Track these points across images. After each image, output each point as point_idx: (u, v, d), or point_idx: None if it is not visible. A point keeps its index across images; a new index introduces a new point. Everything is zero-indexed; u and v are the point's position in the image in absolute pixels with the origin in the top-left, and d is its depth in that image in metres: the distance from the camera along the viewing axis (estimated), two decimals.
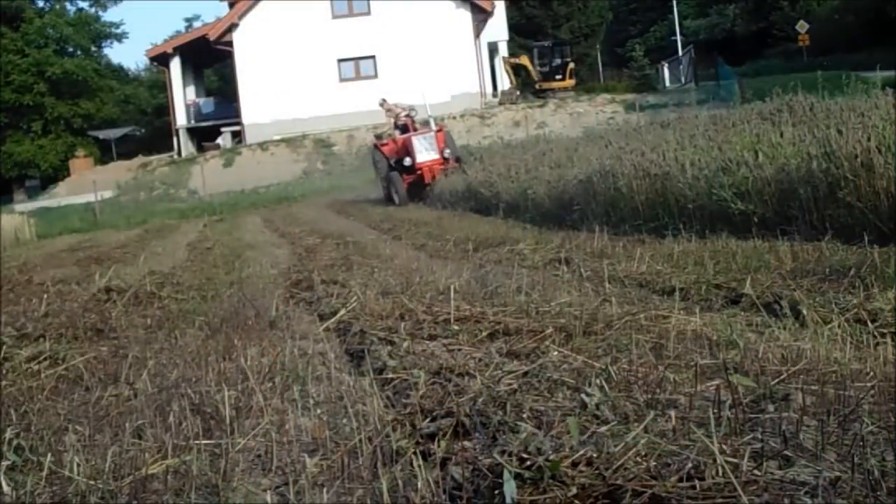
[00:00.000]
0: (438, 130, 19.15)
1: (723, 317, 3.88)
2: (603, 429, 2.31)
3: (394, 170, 18.80)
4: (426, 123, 19.51)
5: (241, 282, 7.35)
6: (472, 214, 13.77)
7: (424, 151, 18.39)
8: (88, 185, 32.55)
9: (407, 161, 18.43)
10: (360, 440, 2.49)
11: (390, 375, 3.24)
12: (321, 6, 35.82)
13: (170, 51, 39.12)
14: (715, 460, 1.98)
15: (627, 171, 9.17)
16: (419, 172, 18.28)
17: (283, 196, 29.06)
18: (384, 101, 21.17)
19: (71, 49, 44.92)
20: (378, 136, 20.80)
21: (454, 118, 33.19)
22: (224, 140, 37.52)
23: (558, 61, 39.83)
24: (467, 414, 2.53)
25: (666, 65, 42.65)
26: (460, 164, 18.11)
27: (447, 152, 18.69)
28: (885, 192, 5.95)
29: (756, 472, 1.97)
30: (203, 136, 38.58)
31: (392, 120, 20.37)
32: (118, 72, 52.84)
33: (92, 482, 2.39)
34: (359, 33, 35.42)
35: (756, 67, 39.78)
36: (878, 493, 1.89)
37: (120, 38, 48.46)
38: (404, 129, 19.69)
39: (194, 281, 7.73)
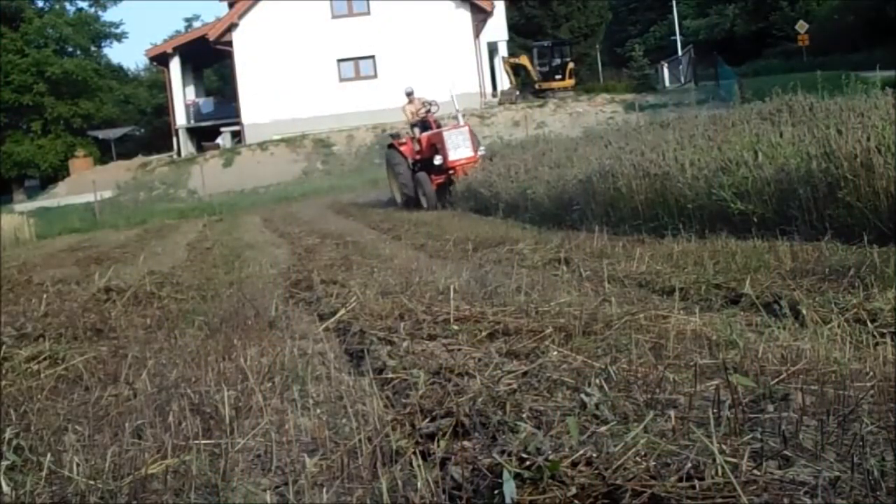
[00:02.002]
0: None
1: (722, 317, 3.88)
2: (602, 429, 2.32)
3: (419, 170, 16.93)
4: (453, 118, 17.84)
5: (241, 282, 7.35)
6: (472, 214, 13.78)
7: (457, 148, 16.44)
8: (88, 185, 32.52)
9: (437, 159, 16.40)
10: (360, 440, 2.49)
11: (390, 375, 3.24)
12: (321, 6, 35.81)
13: (169, 51, 39.09)
14: (714, 460, 1.98)
15: (627, 171, 9.18)
16: (451, 172, 16.34)
17: (283, 196, 29.05)
18: (412, 90, 18.45)
19: (70, 49, 44.90)
20: (394, 135, 18.55)
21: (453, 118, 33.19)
22: (223, 140, 37.51)
23: (558, 61, 39.81)
24: (467, 414, 2.53)
25: (665, 65, 42.63)
26: (491, 162, 16.25)
27: (481, 150, 17.07)
28: (884, 192, 5.95)
29: (756, 471, 1.97)
30: (203, 136, 38.57)
31: (409, 116, 18.06)
32: (118, 72, 52.81)
33: (91, 482, 2.39)
34: (358, 33, 35.41)
35: (755, 67, 39.78)
36: (878, 492, 1.89)
37: (119, 38, 48.48)
38: (424, 126, 17.62)
39: (194, 281, 7.73)
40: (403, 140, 17.73)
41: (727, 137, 9.29)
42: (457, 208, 15.09)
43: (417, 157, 17.15)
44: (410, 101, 18.17)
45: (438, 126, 17.47)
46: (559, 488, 1.94)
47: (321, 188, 29.21)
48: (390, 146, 18.12)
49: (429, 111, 17.82)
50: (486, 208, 13.62)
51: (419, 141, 17.28)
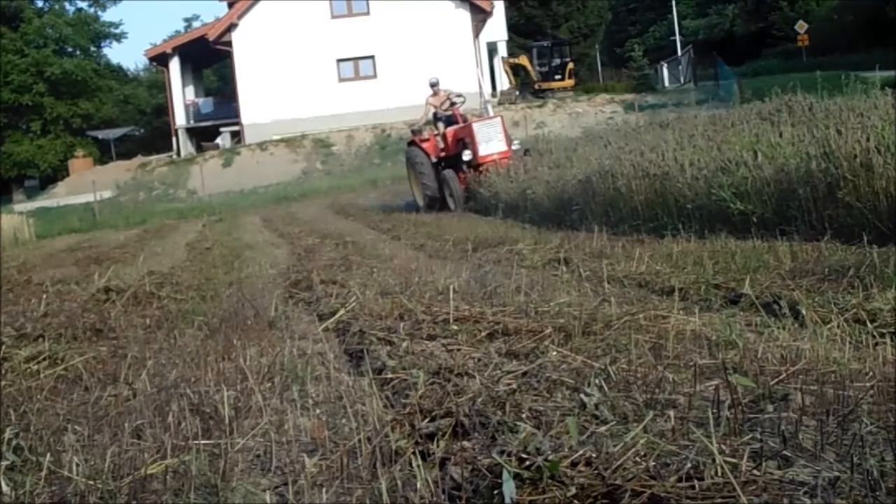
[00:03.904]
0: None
1: (722, 317, 3.88)
2: (602, 429, 2.32)
3: (444, 168, 15.38)
4: (483, 111, 16.63)
5: (241, 282, 7.35)
6: (471, 214, 13.77)
7: (489, 142, 14.80)
8: (87, 185, 32.53)
9: (466, 155, 14.81)
10: (360, 440, 2.49)
11: (389, 375, 3.24)
12: (320, 6, 35.82)
13: (169, 51, 39.12)
14: (714, 460, 1.98)
15: (626, 172, 9.18)
16: (483, 168, 14.62)
17: (282, 196, 29.06)
18: (437, 81, 16.78)
19: (70, 49, 44.89)
20: (415, 131, 16.68)
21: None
22: (223, 140, 37.51)
23: (557, 61, 39.84)
24: (466, 414, 2.53)
25: (665, 65, 42.66)
26: (529, 157, 14.65)
27: (515, 144, 15.50)
28: (884, 192, 5.95)
29: (755, 472, 1.97)
30: (202, 136, 38.57)
31: (431, 109, 16.51)
32: (117, 72, 52.81)
33: (91, 482, 2.39)
34: (358, 33, 35.42)
35: (755, 67, 39.82)
36: (877, 493, 1.89)
37: (119, 38, 48.46)
38: (448, 121, 16.07)
39: (193, 281, 7.73)
40: (425, 136, 16.23)
41: (727, 137, 9.30)
42: (456, 208, 15.05)
43: (442, 154, 15.74)
44: (435, 94, 16.68)
45: (465, 120, 15.91)
46: (559, 488, 1.94)
47: (320, 188, 29.23)
48: (411, 143, 16.54)
49: (454, 104, 16.33)
50: (486, 208, 13.62)
51: (444, 136, 15.82)
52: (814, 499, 1.86)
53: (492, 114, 15.92)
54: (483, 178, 14.35)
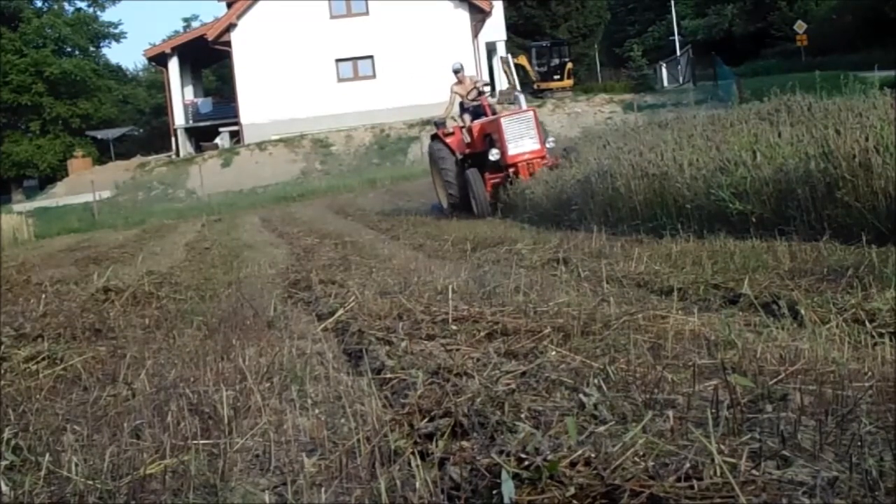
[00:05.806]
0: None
1: (721, 317, 3.88)
2: (601, 429, 2.32)
3: (469, 166, 13.54)
4: (513, 102, 15.01)
5: (240, 282, 7.35)
6: (470, 214, 13.74)
7: (519, 139, 12.94)
8: (86, 185, 32.53)
9: (493, 154, 12.94)
10: (359, 440, 2.49)
11: (388, 375, 3.24)
12: (319, 6, 35.82)
13: (168, 51, 39.13)
14: (713, 460, 1.98)
15: (625, 171, 9.18)
16: (512, 170, 12.91)
17: (281, 196, 29.08)
18: (461, 67, 14.97)
19: (69, 49, 44.94)
20: (438, 124, 14.60)
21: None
22: (222, 140, 37.50)
23: (556, 61, 39.86)
24: (465, 414, 2.53)
25: (664, 65, 42.65)
26: (569, 158, 12.58)
27: (550, 141, 13.73)
28: (882, 193, 5.95)
29: (754, 472, 1.97)
30: (201, 136, 38.57)
31: (457, 98, 14.68)
32: (116, 72, 52.84)
33: (90, 482, 2.39)
34: (357, 33, 35.42)
35: (754, 67, 39.84)
36: (876, 493, 1.89)
37: (118, 38, 48.54)
38: (476, 112, 14.29)
39: (192, 281, 7.73)
40: (450, 130, 14.32)
41: (726, 137, 9.29)
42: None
43: (467, 150, 13.86)
44: (459, 81, 14.75)
45: (494, 113, 14.25)
46: (557, 488, 1.94)
47: (319, 188, 29.26)
48: (434, 137, 14.61)
49: (482, 93, 14.58)
50: None
51: (470, 131, 13.98)
52: (813, 499, 1.86)
53: (524, 106, 13.96)
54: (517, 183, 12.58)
